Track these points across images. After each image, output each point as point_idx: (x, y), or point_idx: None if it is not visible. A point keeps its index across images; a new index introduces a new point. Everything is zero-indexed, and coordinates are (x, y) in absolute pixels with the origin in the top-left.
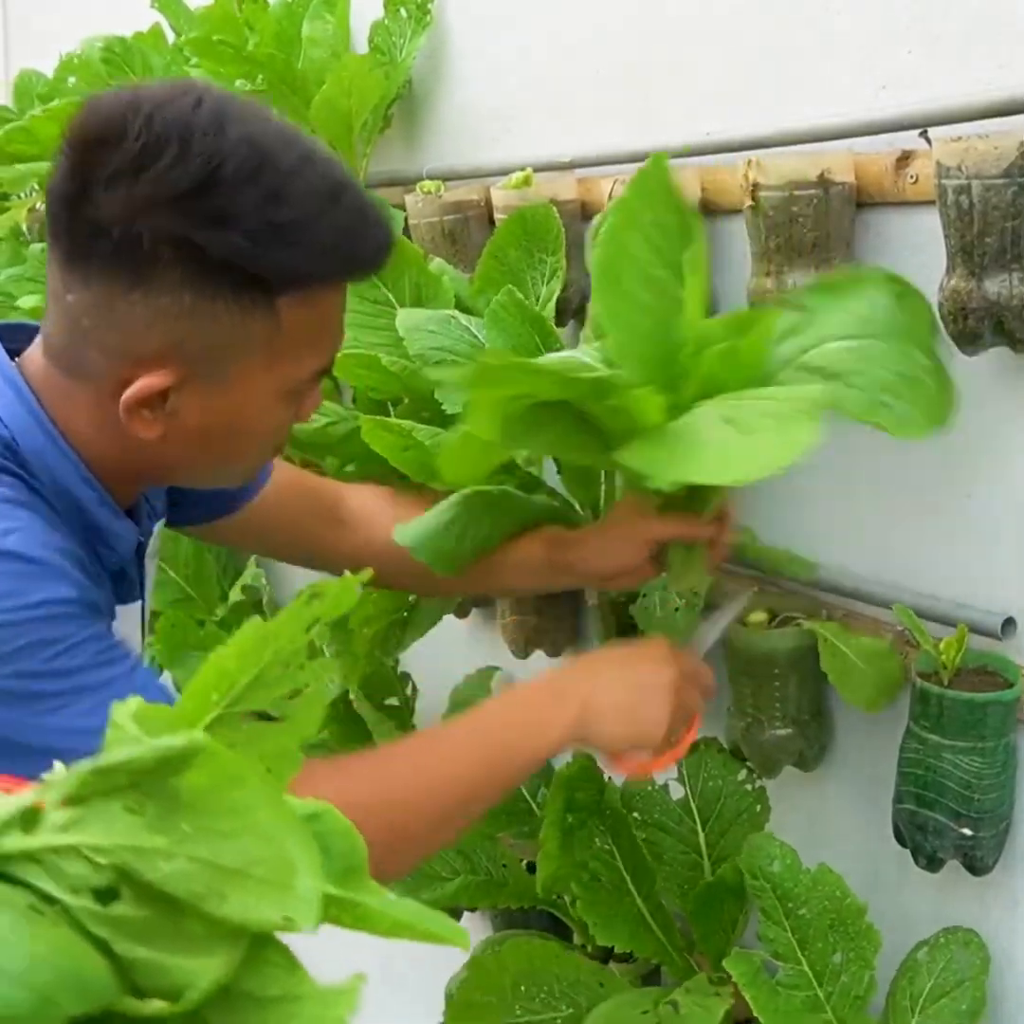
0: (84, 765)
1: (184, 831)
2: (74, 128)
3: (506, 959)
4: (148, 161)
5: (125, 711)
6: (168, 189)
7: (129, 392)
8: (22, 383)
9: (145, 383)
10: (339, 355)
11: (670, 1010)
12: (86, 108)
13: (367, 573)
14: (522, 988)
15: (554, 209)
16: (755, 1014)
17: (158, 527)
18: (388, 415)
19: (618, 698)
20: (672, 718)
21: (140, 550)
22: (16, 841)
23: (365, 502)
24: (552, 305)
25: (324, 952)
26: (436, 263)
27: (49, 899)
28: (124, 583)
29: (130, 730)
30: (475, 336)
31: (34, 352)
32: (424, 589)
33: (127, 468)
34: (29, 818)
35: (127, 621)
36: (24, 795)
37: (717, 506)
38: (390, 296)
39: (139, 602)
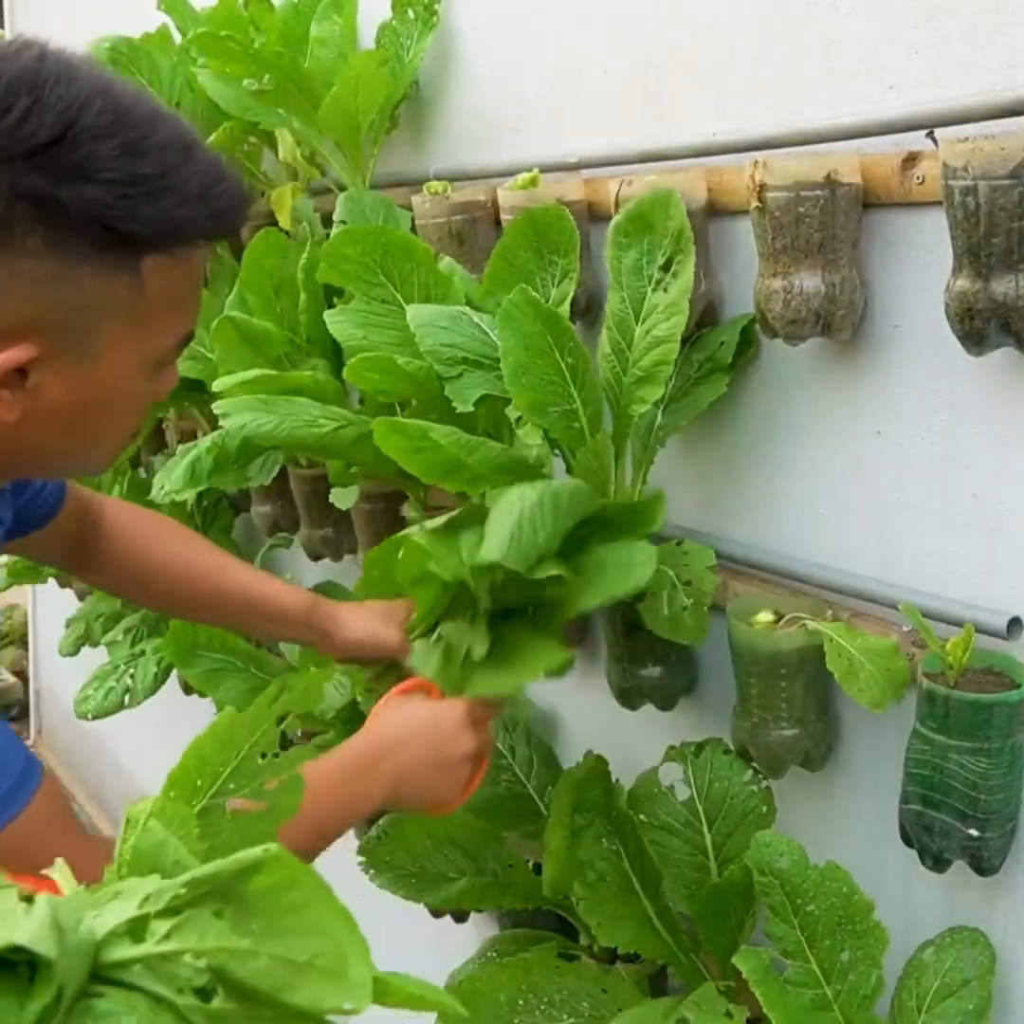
0: (179, 880)
1: (254, 930)
2: None
3: (501, 976)
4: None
5: (141, 808)
6: (23, 143)
7: None
8: None
9: (5, 357)
10: (352, 360)
11: None
12: None
13: (333, 671)
14: (520, 1002)
15: (567, 210)
16: (765, 1012)
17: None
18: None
19: (423, 772)
20: (459, 790)
21: None
22: (128, 950)
23: (120, 517)
24: (566, 306)
25: None
26: (446, 262)
27: (160, 999)
28: None
29: (155, 831)
30: (486, 333)
31: None
32: (166, 610)
33: None
34: (137, 928)
35: None
36: (125, 906)
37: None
38: (398, 296)
39: None
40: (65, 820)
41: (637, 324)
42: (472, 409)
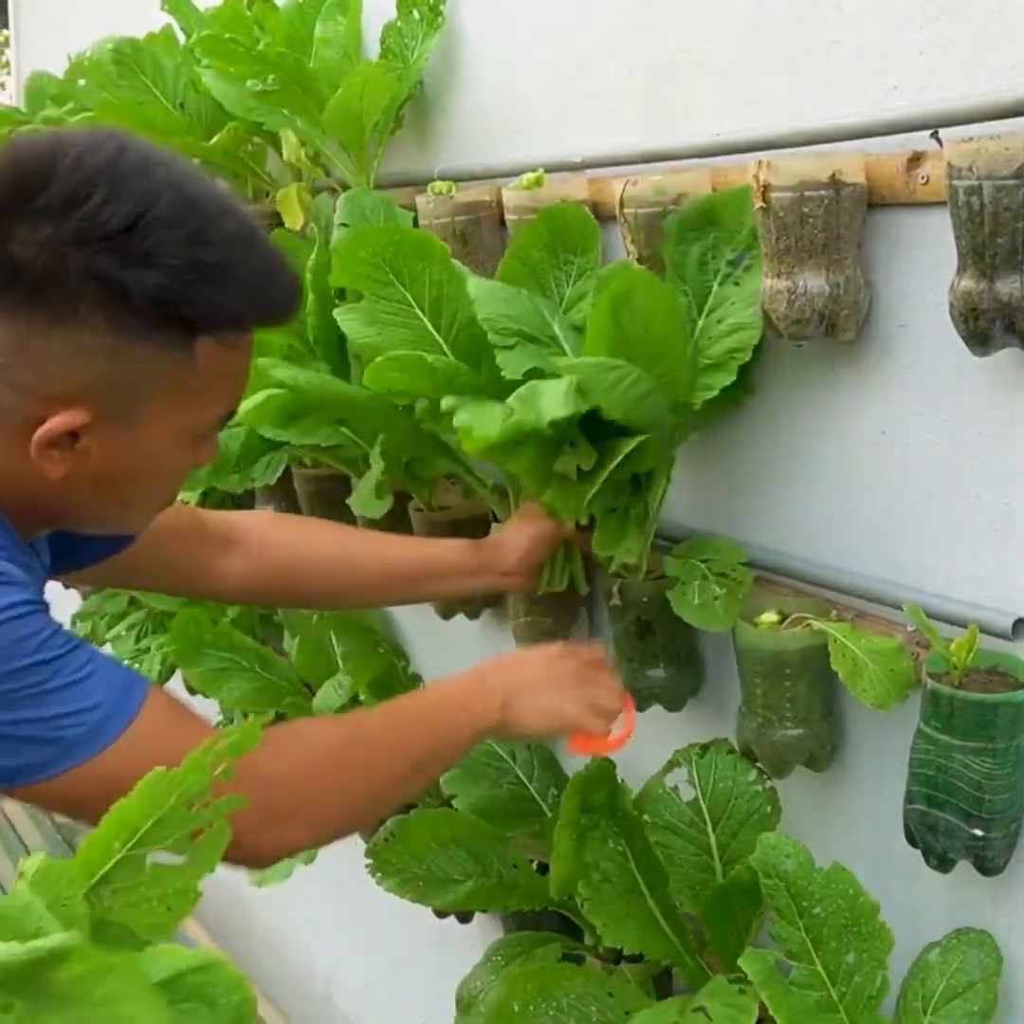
0: None
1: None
2: (1, 164)
3: (516, 988)
4: (78, 201)
5: (30, 866)
6: (98, 228)
7: (42, 430)
8: None
9: (59, 421)
10: (377, 360)
11: (702, 1017)
12: (17, 143)
13: (267, 716)
14: (531, 1008)
15: (585, 208)
16: (771, 1013)
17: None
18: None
19: (531, 695)
20: (582, 707)
21: None
22: None
23: (257, 525)
24: (584, 303)
25: (338, 955)
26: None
27: None
28: None
29: (21, 895)
30: (543, 313)
31: None
32: (334, 602)
33: (28, 507)
34: None
35: None
36: None
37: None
38: (408, 295)
39: None
40: (189, 717)
41: (700, 316)
42: (520, 378)
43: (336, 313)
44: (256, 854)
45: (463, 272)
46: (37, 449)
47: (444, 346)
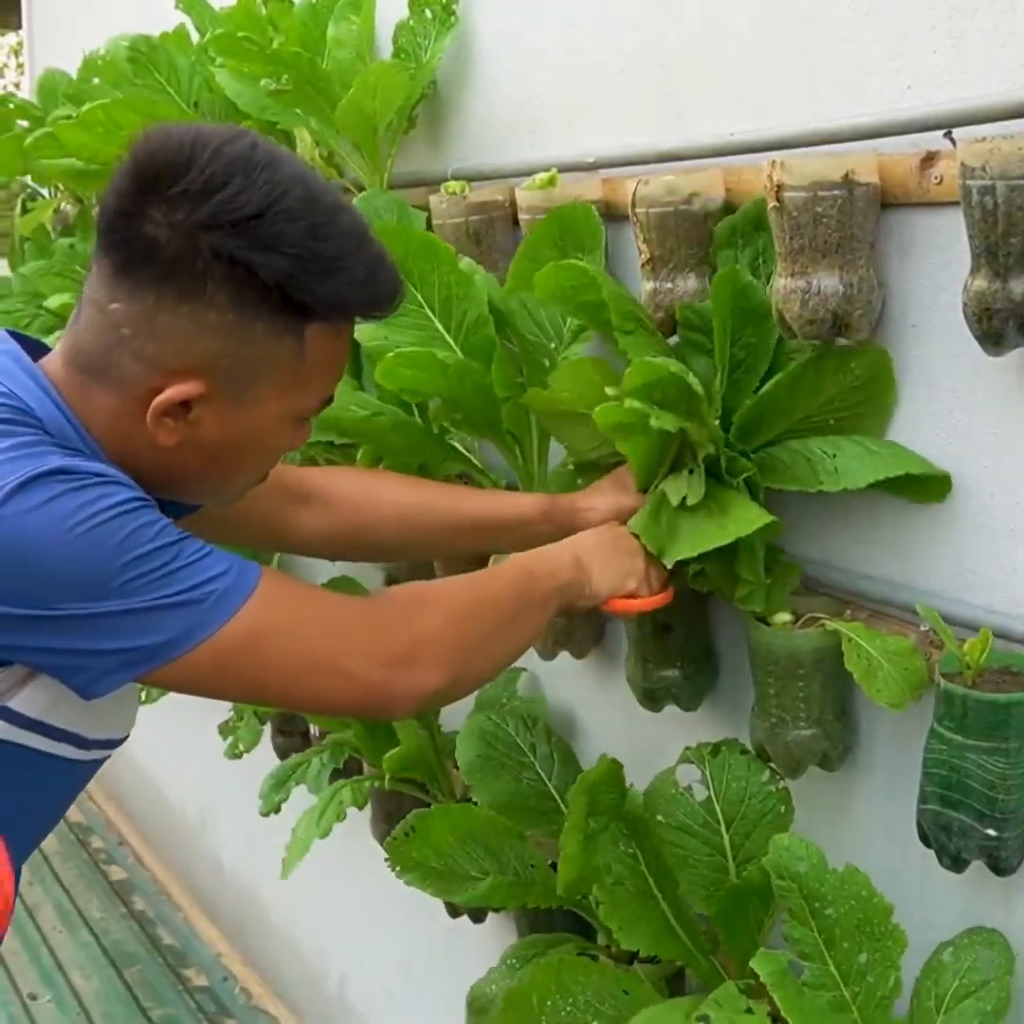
0: None
1: None
2: (140, 151)
3: (537, 980)
4: (215, 188)
5: None
6: (231, 214)
7: (161, 398)
8: (48, 383)
9: (176, 391)
10: (388, 356)
11: None
12: (154, 133)
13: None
14: (548, 1003)
15: (592, 207)
16: (783, 1014)
17: None
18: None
19: (603, 561)
20: (643, 574)
21: None
22: None
23: (335, 480)
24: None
25: (352, 954)
26: (465, 262)
27: None
28: None
29: None
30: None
31: (53, 357)
32: (405, 554)
33: (134, 472)
34: None
35: None
36: None
37: None
38: (419, 295)
39: None
40: (304, 586)
41: None
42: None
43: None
44: (393, 699)
45: (471, 270)
46: (153, 416)
47: (454, 346)
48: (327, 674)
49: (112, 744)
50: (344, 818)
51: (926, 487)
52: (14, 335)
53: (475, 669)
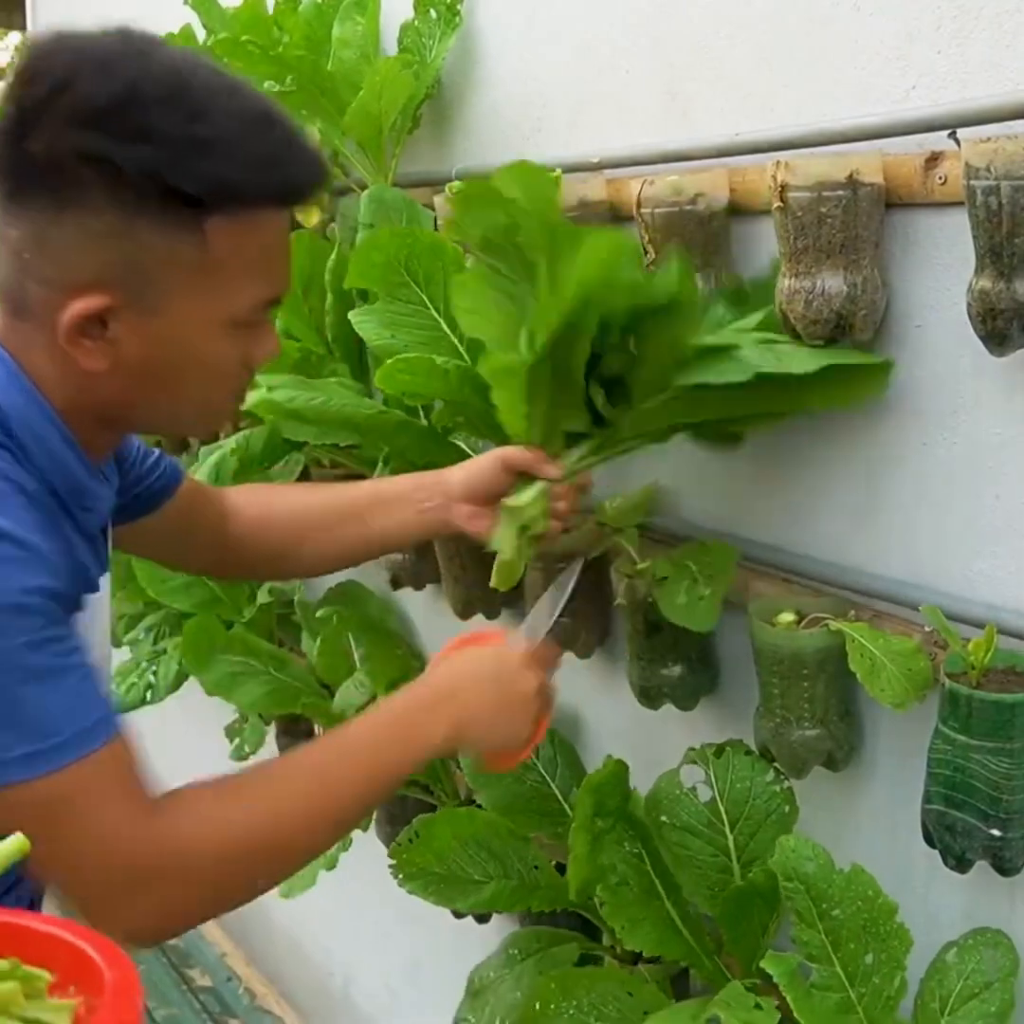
0: None
1: None
2: (14, 69)
3: (536, 987)
4: (67, 84)
5: None
6: (86, 107)
7: (65, 318)
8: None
9: (80, 306)
10: (387, 362)
11: None
12: (24, 50)
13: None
14: (552, 1007)
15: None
16: (795, 1016)
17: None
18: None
19: (487, 713)
20: (532, 725)
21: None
22: None
23: (237, 494)
24: None
25: (356, 954)
26: (472, 262)
27: None
28: (99, 550)
29: None
30: None
31: None
32: (304, 554)
33: (88, 411)
34: None
35: (99, 607)
36: None
37: (579, 476)
38: (424, 296)
39: (108, 574)
40: (133, 782)
41: None
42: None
43: (351, 315)
44: (120, 929)
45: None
46: (67, 339)
47: (459, 347)
48: (74, 888)
49: None
50: (349, 846)
51: (869, 378)
52: None
53: (267, 883)
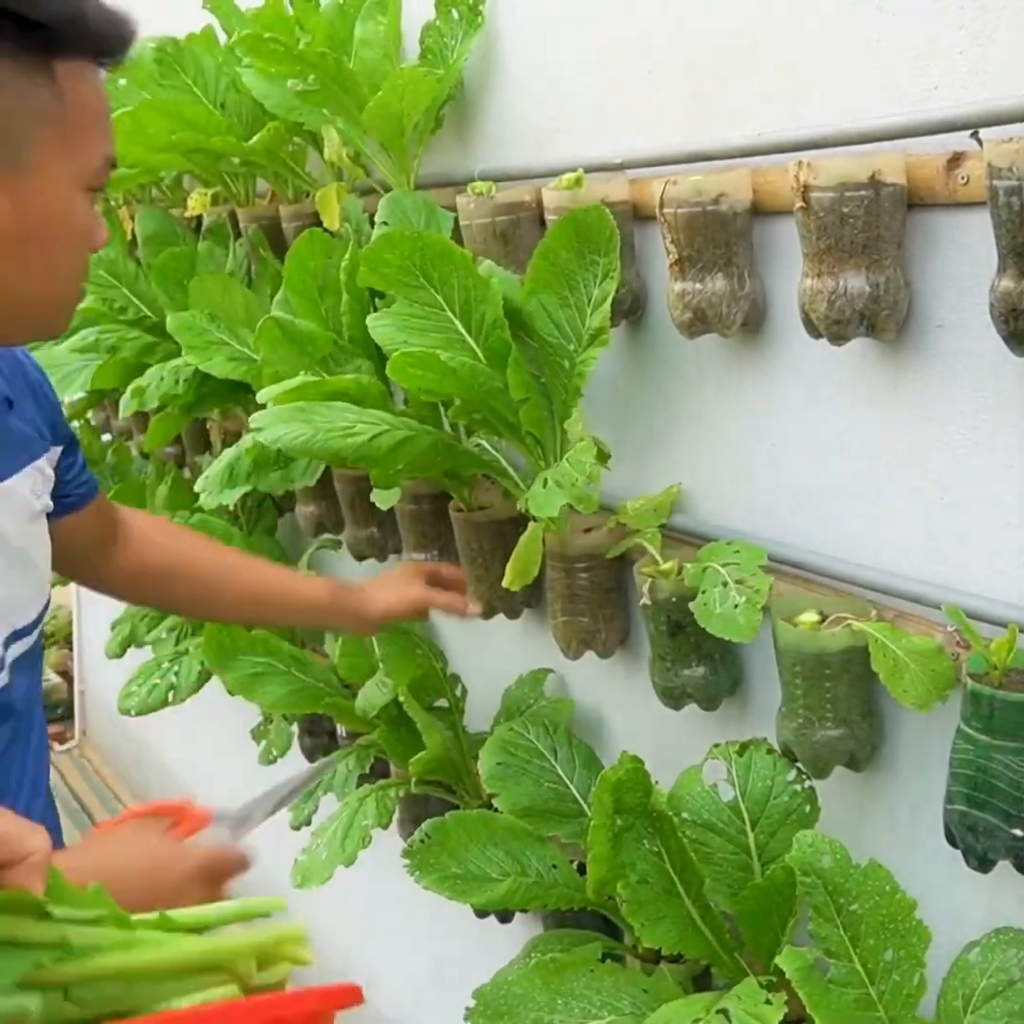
0: None
1: None
2: None
3: (535, 979)
4: None
5: None
6: None
7: None
8: None
9: None
10: (395, 355)
11: (721, 1019)
12: None
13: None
14: (560, 1002)
15: (607, 210)
16: (809, 1012)
17: (45, 461)
18: (439, 417)
19: (140, 891)
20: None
21: None
22: None
23: (144, 527)
24: (606, 306)
25: (376, 955)
26: (485, 265)
27: None
28: None
29: None
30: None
31: None
32: (193, 611)
33: None
34: None
35: None
36: None
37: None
38: (439, 298)
39: None
40: None
41: None
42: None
43: (369, 320)
44: None
45: (489, 273)
46: None
47: (476, 348)
48: None
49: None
50: (369, 843)
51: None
52: None
53: None
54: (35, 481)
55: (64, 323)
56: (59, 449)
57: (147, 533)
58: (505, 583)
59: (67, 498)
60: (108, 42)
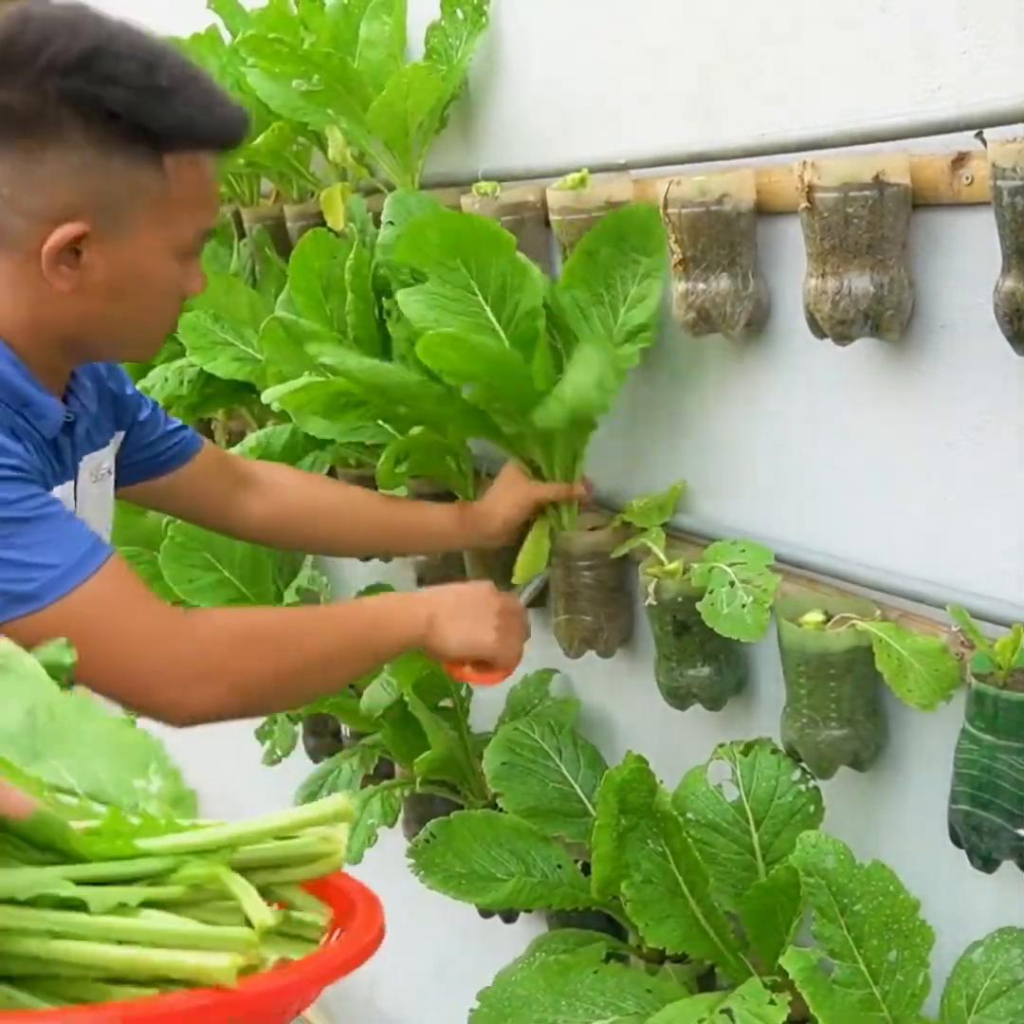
0: None
1: None
2: None
3: (540, 978)
4: (45, 45)
5: None
6: (63, 59)
7: (50, 243)
8: None
9: (62, 233)
10: (426, 334)
11: (725, 1019)
12: None
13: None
14: (563, 1003)
15: (658, 210)
16: (813, 1012)
17: (112, 446)
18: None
19: (456, 619)
20: (498, 640)
21: (70, 430)
22: None
23: (274, 472)
24: (648, 303)
25: (380, 955)
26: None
27: None
28: (60, 460)
29: None
30: None
31: None
32: (331, 548)
33: (44, 334)
34: None
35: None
36: None
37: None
38: (472, 282)
39: (71, 483)
40: (139, 588)
41: None
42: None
43: (401, 294)
44: (178, 710)
45: (522, 265)
46: (48, 265)
47: (503, 336)
48: (122, 676)
49: None
50: (375, 842)
51: None
52: None
53: (263, 700)
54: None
55: (152, 353)
56: (122, 434)
57: (278, 479)
58: (514, 580)
59: (163, 457)
60: (217, 141)
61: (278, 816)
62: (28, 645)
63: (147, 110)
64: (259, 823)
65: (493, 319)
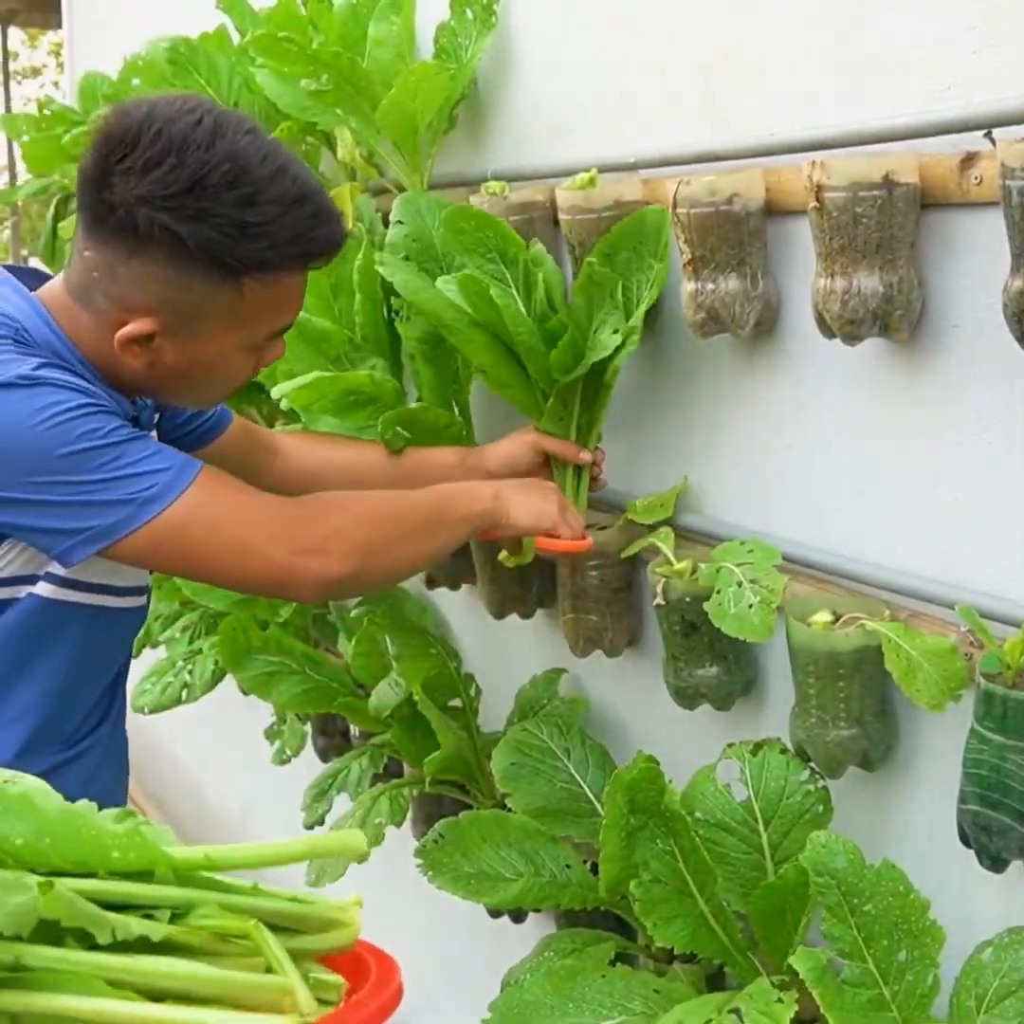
0: None
1: None
2: (103, 127)
3: (547, 983)
4: (152, 166)
5: None
6: (163, 189)
7: (122, 332)
8: (34, 298)
9: (134, 327)
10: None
11: (734, 1019)
12: (114, 112)
13: None
14: (571, 1006)
15: (667, 213)
16: (822, 1012)
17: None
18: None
19: (521, 497)
20: (560, 513)
21: (135, 424)
22: None
23: (291, 438)
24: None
25: (392, 954)
26: (536, 249)
27: None
28: None
29: None
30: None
31: (55, 283)
32: None
33: (116, 377)
34: None
35: None
36: None
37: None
38: (507, 274)
39: None
40: (237, 484)
41: None
42: None
43: (439, 281)
44: (301, 582)
45: (540, 260)
46: (119, 345)
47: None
48: (246, 557)
49: (140, 591)
50: (383, 841)
51: None
52: (12, 269)
53: (378, 567)
54: None
55: (217, 404)
56: (157, 416)
57: (296, 443)
58: (501, 557)
59: (203, 428)
60: (304, 263)
61: (295, 842)
62: (162, 543)
63: (228, 248)
64: (279, 846)
65: (523, 310)
